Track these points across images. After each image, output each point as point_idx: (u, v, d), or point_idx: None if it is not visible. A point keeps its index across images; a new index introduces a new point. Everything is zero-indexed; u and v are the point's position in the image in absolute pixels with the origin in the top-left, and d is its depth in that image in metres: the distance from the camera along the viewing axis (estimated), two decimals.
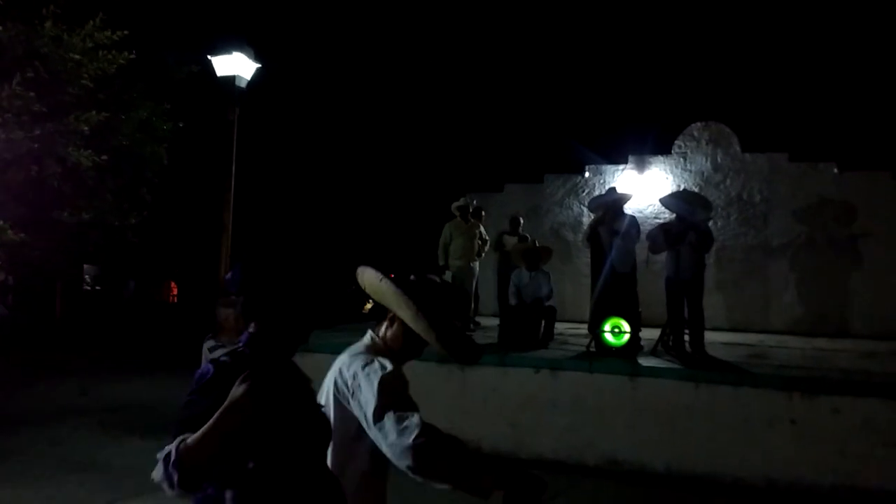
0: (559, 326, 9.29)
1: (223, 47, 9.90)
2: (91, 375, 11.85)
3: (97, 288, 27.97)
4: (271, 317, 1.99)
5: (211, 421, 1.70)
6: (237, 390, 1.73)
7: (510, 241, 10.58)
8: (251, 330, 2.00)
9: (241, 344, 2.00)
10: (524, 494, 2.00)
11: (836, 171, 11.76)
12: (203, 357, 5.66)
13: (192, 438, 1.70)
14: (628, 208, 8.83)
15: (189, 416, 1.79)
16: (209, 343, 5.65)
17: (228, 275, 2.01)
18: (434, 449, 2.02)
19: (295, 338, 2.04)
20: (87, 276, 27.02)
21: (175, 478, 1.68)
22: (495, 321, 9.78)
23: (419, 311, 2.30)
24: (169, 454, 1.70)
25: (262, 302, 1.99)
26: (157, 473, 1.72)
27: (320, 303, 2.08)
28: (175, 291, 30.12)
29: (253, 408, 1.73)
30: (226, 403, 1.72)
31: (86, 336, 18.43)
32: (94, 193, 11.80)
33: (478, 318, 10.68)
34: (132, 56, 11.21)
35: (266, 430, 1.82)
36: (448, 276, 10.16)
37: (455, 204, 10.45)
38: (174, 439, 1.75)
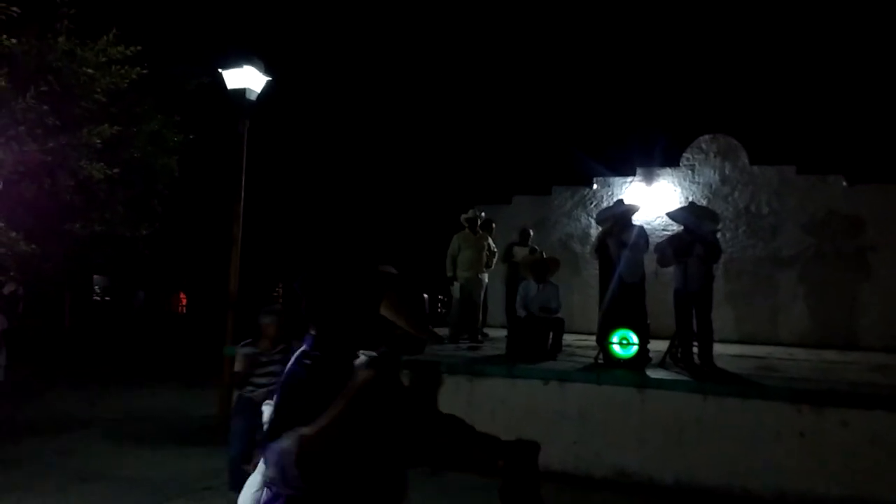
0: (567, 338, 9.29)
1: (233, 60, 10.00)
2: (100, 385, 11.91)
3: (107, 298, 28.11)
4: (330, 320, 2.04)
5: (334, 409, 1.73)
6: (361, 376, 1.77)
7: (520, 252, 10.62)
8: (312, 332, 2.06)
9: (306, 346, 2.05)
10: (523, 460, 2.06)
11: (844, 183, 11.76)
12: (237, 361, 5.79)
13: (311, 429, 1.71)
14: (636, 219, 8.85)
15: (291, 412, 1.83)
16: (246, 349, 5.77)
17: (298, 281, 2.09)
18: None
19: (355, 340, 2.08)
20: (96, 287, 27.17)
21: (295, 472, 1.68)
22: (503, 332, 9.79)
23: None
24: (283, 450, 1.70)
25: (321, 306, 2.06)
26: (274, 470, 1.71)
27: (376, 308, 2.12)
28: (184, 302, 30.21)
29: (376, 394, 1.76)
30: (350, 391, 1.75)
31: (95, 346, 18.51)
32: (105, 205, 11.89)
33: (486, 330, 10.70)
34: (144, 71, 11.33)
35: (376, 425, 1.84)
36: (456, 287, 10.19)
37: (464, 216, 10.49)
38: (266, 440, 1.80)
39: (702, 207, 9.86)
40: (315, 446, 1.69)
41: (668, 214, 8.73)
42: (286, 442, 1.71)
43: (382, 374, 1.79)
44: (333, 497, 1.84)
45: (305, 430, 1.71)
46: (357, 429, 1.76)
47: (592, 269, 10.88)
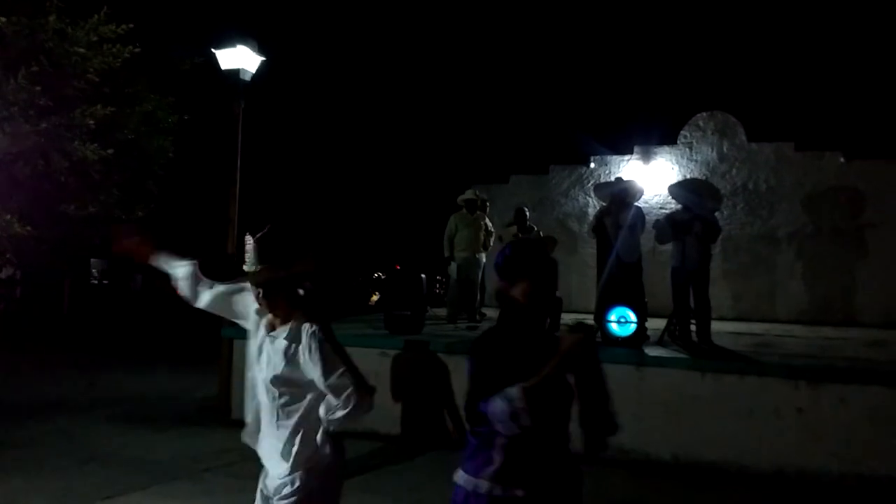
0: (565, 317, 9.28)
1: (227, 40, 9.89)
2: (99, 369, 11.92)
3: (104, 282, 28.04)
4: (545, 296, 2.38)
5: (549, 366, 2.14)
6: (572, 339, 2.19)
7: (507, 232, 10.55)
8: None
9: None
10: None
11: (842, 160, 11.72)
12: None
13: (533, 382, 2.11)
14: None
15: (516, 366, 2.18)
16: None
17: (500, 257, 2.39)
18: None
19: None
20: (94, 270, 27.10)
21: (525, 415, 2.08)
22: None
23: None
24: (510, 398, 2.09)
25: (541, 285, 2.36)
26: (503, 421, 2.10)
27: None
28: None
29: (580, 352, 2.22)
30: (566, 350, 2.18)
31: (93, 330, 18.51)
32: (100, 187, 11.82)
33: (484, 310, 10.69)
34: (136, 50, 11.22)
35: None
36: (453, 267, 10.17)
37: (462, 197, 10.43)
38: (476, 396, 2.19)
39: (703, 184, 9.81)
40: (537, 394, 2.10)
41: (669, 190, 8.69)
42: (512, 391, 2.09)
43: (587, 337, 2.23)
44: (543, 432, 2.23)
45: (527, 384, 2.09)
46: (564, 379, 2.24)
47: (590, 248, 10.87)
